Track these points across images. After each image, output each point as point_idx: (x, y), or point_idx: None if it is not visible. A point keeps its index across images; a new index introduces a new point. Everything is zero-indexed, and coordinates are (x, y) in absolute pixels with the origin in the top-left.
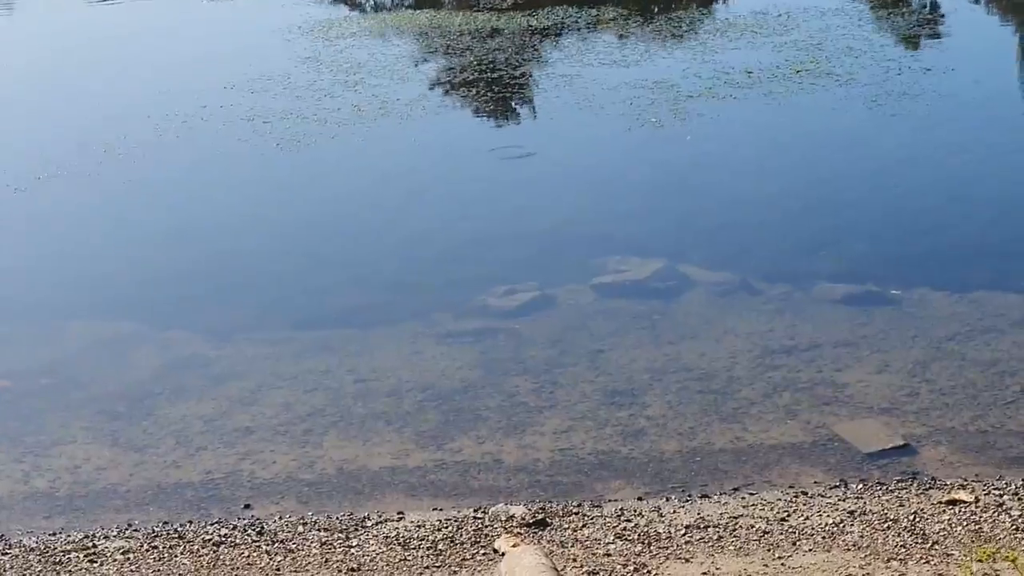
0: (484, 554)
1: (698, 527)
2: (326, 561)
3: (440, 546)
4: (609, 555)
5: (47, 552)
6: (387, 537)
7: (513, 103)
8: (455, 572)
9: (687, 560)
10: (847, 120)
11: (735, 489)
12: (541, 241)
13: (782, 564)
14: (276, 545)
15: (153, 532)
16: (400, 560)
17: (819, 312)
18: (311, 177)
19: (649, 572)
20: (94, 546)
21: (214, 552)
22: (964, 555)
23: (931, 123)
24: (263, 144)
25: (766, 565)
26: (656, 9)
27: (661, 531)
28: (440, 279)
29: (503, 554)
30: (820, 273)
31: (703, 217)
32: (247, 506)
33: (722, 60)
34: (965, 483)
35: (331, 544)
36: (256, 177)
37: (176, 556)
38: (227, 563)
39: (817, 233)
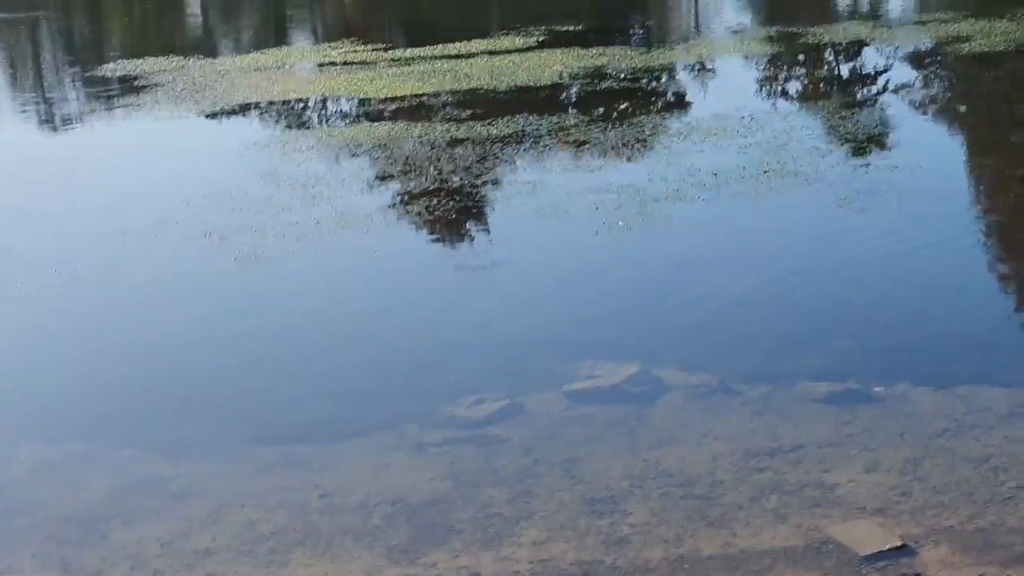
0: None
1: None
2: None
3: None
4: None
5: None
6: None
7: (476, 211)
8: None
9: None
10: (817, 217)
11: None
12: (509, 349)
13: None
14: None
15: None
16: None
17: (801, 412)
18: (270, 291)
19: None
20: None
21: None
22: None
23: (902, 217)
24: (220, 259)
25: None
26: (617, 115)
27: None
28: (407, 390)
29: None
30: (800, 372)
31: (677, 319)
32: None
33: (688, 163)
34: None
35: None
36: (214, 292)
37: None
38: None
39: (794, 331)
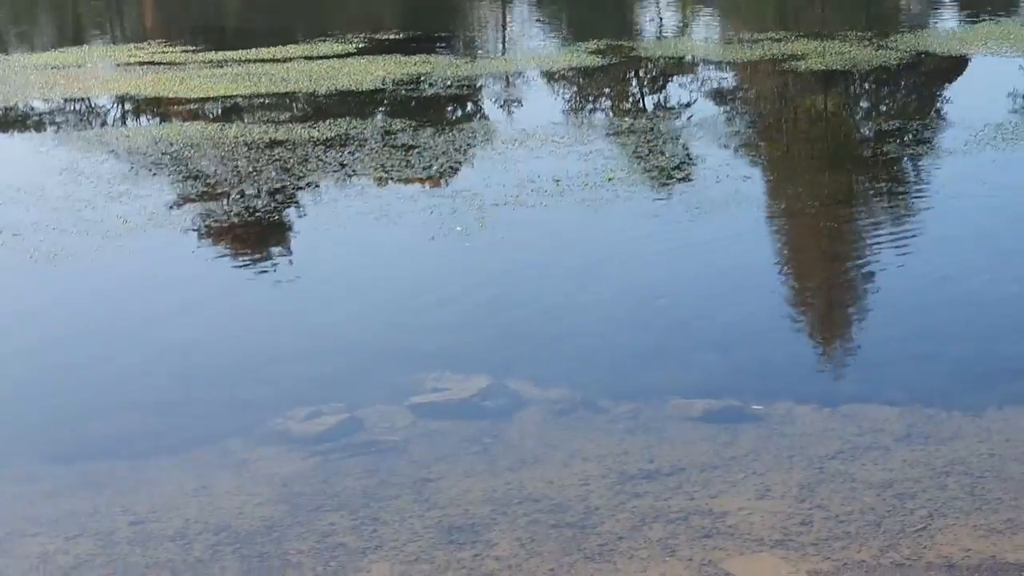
0: None
1: None
2: None
3: None
4: None
5: None
6: None
7: (301, 214)
8: None
9: None
10: (671, 226)
11: None
12: (345, 358)
13: None
14: None
15: None
16: None
17: (676, 431)
18: (70, 292)
19: None
20: None
21: None
22: None
23: (761, 228)
24: (12, 257)
25: None
26: (446, 121)
27: None
28: (230, 402)
29: None
30: (669, 387)
31: (526, 329)
32: None
33: (526, 169)
34: None
35: None
36: (3, 293)
37: None
38: None
39: (656, 344)
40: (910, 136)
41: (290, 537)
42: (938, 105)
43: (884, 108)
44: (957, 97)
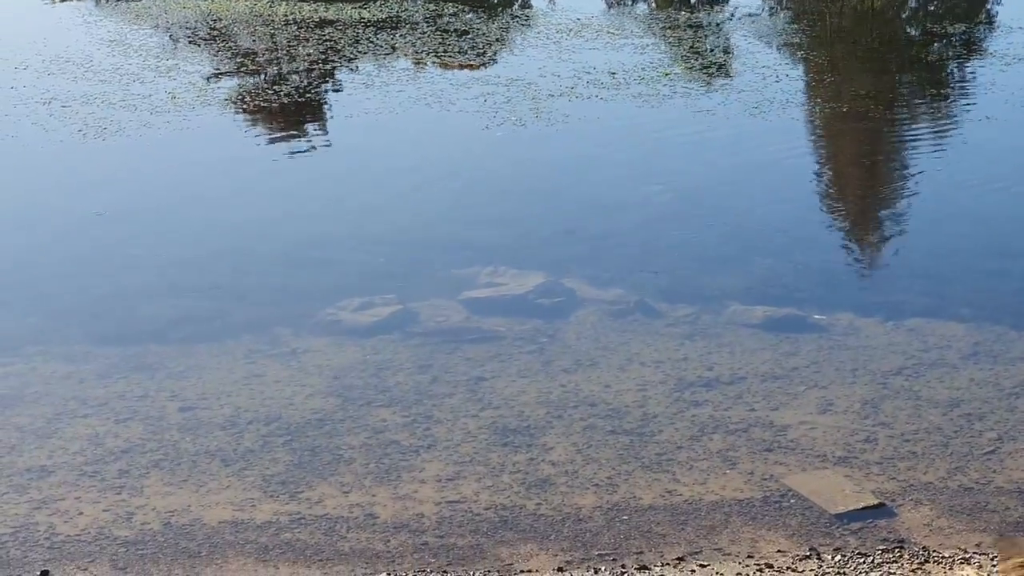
0: None
1: None
2: None
3: None
4: None
5: None
6: None
7: (351, 97)
8: None
9: None
10: (727, 126)
11: (679, 559)
12: (398, 247)
13: None
14: None
15: None
16: None
17: (736, 338)
18: (118, 167)
19: None
20: None
21: None
22: None
23: (819, 131)
24: (62, 130)
25: None
26: (499, 6)
27: None
28: (279, 287)
29: None
30: (729, 293)
31: (583, 226)
32: (44, 573)
33: (581, 60)
34: (967, 555)
35: None
36: (53, 165)
37: None
38: None
39: (714, 247)
40: (957, 39)
41: (341, 431)
42: (989, 7)
43: (932, 7)
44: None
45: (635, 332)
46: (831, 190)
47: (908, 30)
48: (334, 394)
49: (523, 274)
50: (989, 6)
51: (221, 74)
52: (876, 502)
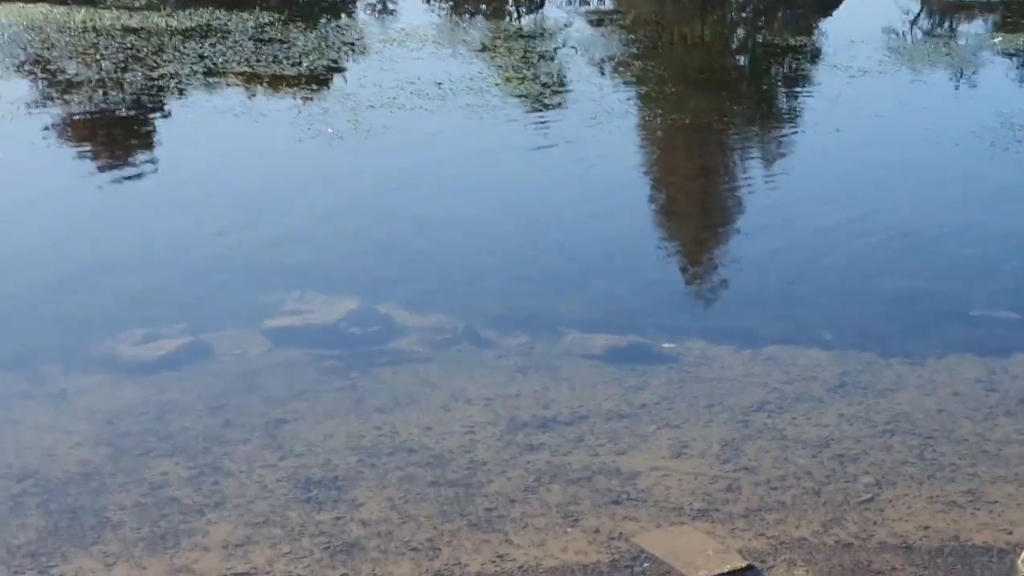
0: None
1: None
2: None
3: None
4: None
5: None
6: None
7: (152, 108)
8: None
9: None
10: (561, 137)
11: None
12: (192, 271)
13: None
14: None
15: None
16: None
17: (575, 372)
18: None
19: None
20: None
21: None
22: None
23: (658, 143)
24: None
25: None
26: (317, 16)
27: None
28: (48, 315)
29: None
30: (565, 318)
31: (401, 244)
32: None
33: (405, 70)
34: None
35: None
36: None
37: None
38: None
39: (548, 267)
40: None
41: (111, 488)
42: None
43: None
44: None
45: (460, 365)
46: (673, 206)
47: (752, 42)
48: (105, 443)
49: (334, 300)
50: (828, 20)
51: (12, 86)
52: (744, 564)
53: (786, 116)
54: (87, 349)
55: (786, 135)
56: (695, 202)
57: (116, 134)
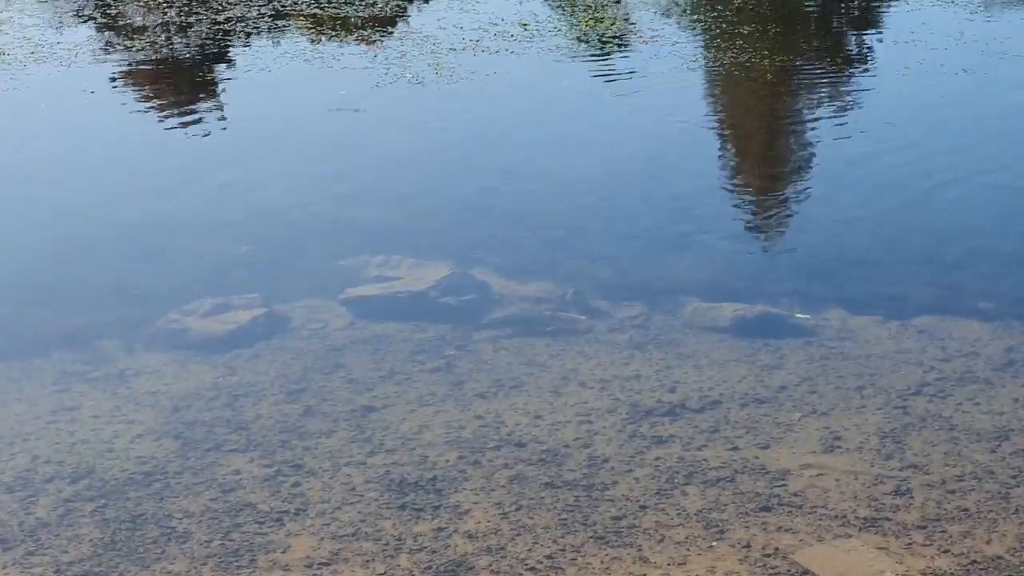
0: None
1: None
2: None
3: None
4: None
5: None
6: None
7: (219, 54)
8: None
9: None
10: (658, 85)
11: None
12: (266, 233)
13: None
14: None
15: None
16: None
17: (701, 347)
18: None
19: None
20: None
21: None
22: None
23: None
24: None
25: None
26: None
27: None
28: (108, 285)
29: None
30: (685, 285)
31: (497, 202)
32: None
33: (487, 10)
34: None
35: None
36: None
37: None
38: None
39: (663, 226)
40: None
41: (176, 491)
42: None
43: None
44: None
45: (569, 340)
46: (787, 155)
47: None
48: (171, 434)
49: (422, 265)
50: None
51: (67, 27)
52: None
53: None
54: (150, 323)
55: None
56: (815, 152)
57: (180, 83)
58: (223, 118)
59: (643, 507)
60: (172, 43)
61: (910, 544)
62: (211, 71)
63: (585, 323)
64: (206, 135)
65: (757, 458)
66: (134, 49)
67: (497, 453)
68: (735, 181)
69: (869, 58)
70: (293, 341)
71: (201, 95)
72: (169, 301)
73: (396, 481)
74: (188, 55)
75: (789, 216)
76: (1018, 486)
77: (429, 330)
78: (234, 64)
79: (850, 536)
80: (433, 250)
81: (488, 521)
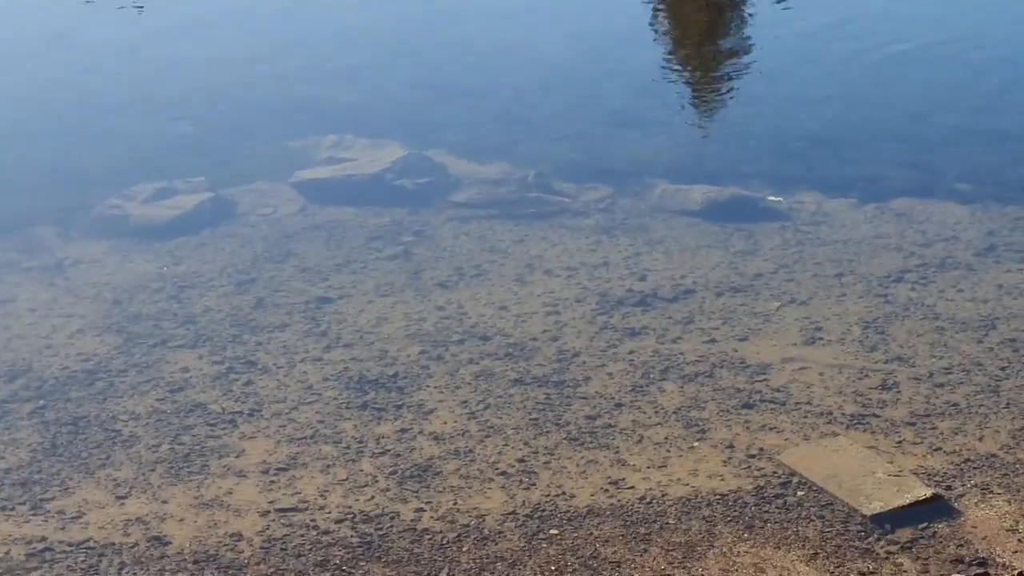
0: None
1: None
2: None
3: None
4: None
5: None
6: None
7: None
8: None
9: None
10: None
11: None
12: (207, 111)
13: None
14: None
15: None
16: None
17: (671, 232)
18: None
19: None
20: None
21: None
22: None
23: None
24: None
25: None
26: None
27: None
28: (39, 170)
29: None
30: (651, 166)
31: (450, 77)
32: None
33: None
34: None
35: None
36: None
37: None
38: None
39: (626, 101)
40: None
41: (120, 390)
42: None
43: None
44: None
45: (533, 225)
46: (748, 34)
47: None
48: (113, 329)
49: (376, 145)
50: None
51: None
52: (928, 493)
53: None
54: (88, 209)
55: None
56: (773, 24)
57: None
58: None
59: (618, 405)
60: None
61: (900, 442)
62: None
63: (549, 206)
64: (139, 6)
65: (736, 351)
66: None
67: (461, 347)
68: (697, 55)
69: None
70: (241, 228)
71: None
72: (108, 186)
73: (355, 378)
74: None
75: (754, 92)
76: (1008, 378)
77: (385, 215)
78: None
79: (837, 434)
80: (387, 129)
81: (455, 421)
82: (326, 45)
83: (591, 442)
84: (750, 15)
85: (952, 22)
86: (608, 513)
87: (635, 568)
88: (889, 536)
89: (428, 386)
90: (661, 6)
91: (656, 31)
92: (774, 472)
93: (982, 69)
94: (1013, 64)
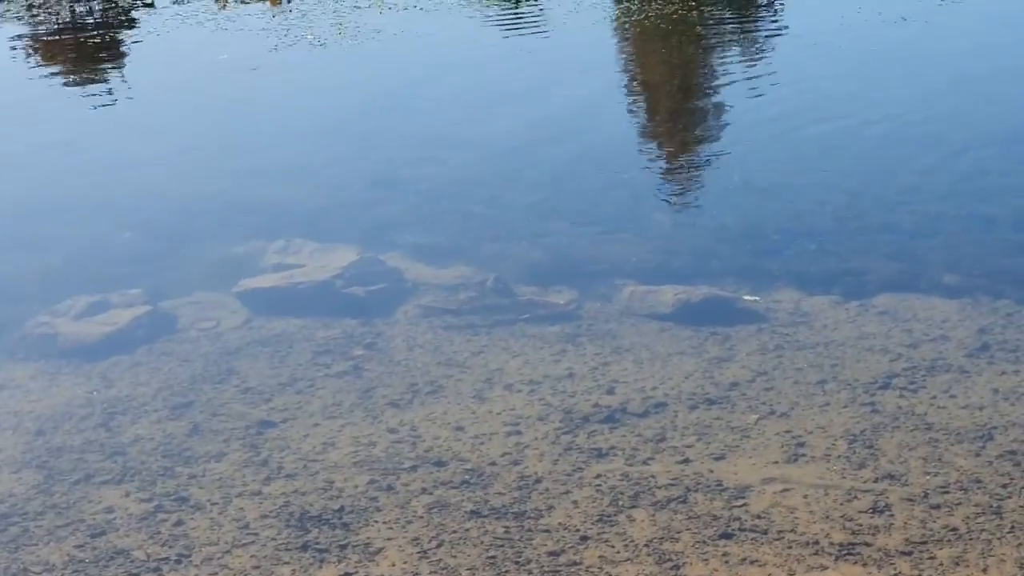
0: None
1: None
2: None
3: None
4: None
5: None
6: None
7: (106, 21)
8: None
9: None
10: (578, 34)
11: None
12: (148, 215)
13: None
14: None
15: None
16: None
17: (641, 339)
18: None
19: None
20: None
21: None
22: None
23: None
24: None
25: None
26: None
27: None
28: None
29: None
30: (619, 265)
31: (404, 175)
32: None
33: None
34: None
35: None
36: None
37: None
38: None
39: (589, 199)
40: None
41: (35, 537)
42: None
43: None
44: None
45: (492, 334)
46: (722, 120)
47: None
48: (33, 464)
49: (327, 249)
50: None
51: None
52: None
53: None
54: (14, 327)
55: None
56: (748, 111)
57: (66, 50)
58: (109, 88)
59: (584, 538)
60: (65, 11)
61: (896, 575)
62: (103, 36)
63: (509, 313)
64: (93, 105)
65: (712, 471)
66: (35, 20)
67: (413, 475)
68: (666, 146)
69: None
70: (180, 344)
71: (91, 62)
72: (37, 300)
73: (296, 515)
74: (89, 23)
75: (726, 183)
76: (1010, 496)
77: (334, 327)
78: (128, 28)
79: (825, 567)
80: (338, 232)
81: (404, 562)
82: (275, 141)
83: (534, 569)
84: (722, 101)
85: (930, 101)
86: None
87: None
88: None
89: (376, 521)
90: (629, 92)
91: (625, 117)
92: None
93: (961, 148)
94: (994, 143)
